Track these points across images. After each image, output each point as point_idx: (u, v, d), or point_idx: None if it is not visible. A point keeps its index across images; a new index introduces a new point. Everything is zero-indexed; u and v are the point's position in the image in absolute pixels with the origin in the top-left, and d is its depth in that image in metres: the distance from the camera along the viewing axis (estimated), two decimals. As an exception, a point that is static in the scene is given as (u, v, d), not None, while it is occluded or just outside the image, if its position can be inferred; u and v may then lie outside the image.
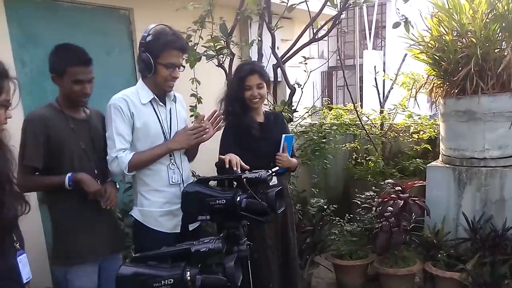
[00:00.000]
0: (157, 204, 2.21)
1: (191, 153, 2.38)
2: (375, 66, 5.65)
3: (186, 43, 2.26)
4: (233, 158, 2.13)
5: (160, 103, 2.23)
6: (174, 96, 2.31)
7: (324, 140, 4.34)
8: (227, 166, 2.11)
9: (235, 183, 2.15)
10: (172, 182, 2.23)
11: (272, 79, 3.11)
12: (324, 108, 5.09)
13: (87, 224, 2.10)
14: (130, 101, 2.14)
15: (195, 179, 2.31)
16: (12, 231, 1.44)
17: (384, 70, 8.83)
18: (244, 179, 1.96)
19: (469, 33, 3.42)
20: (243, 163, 2.16)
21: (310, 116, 4.64)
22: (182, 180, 2.26)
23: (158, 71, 2.14)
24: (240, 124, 2.47)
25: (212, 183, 2.12)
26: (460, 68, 3.43)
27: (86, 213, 2.09)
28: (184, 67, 2.25)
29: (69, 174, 2.02)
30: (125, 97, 2.13)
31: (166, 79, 2.17)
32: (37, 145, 1.99)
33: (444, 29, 3.57)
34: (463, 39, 3.48)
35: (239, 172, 2.10)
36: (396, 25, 3.01)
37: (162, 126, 2.21)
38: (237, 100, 2.46)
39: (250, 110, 2.51)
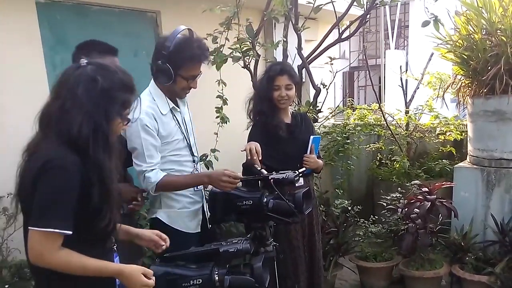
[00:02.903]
0: (182, 206, 2.20)
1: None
2: (400, 66, 5.59)
3: (207, 49, 2.17)
4: (253, 147, 2.14)
5: (177, 109, 2.20)
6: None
7: (347, 141, 4.31)
8: (249, 157, 2.12)
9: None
10: (197, 189, 2.22)
11: (297, 79, 3.11)
12: (348, 108, 5.05)
13: None
14: (154, 112, 2.07)
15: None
16: (113, 234, 1.47)
17: (406, 70, 8.70)
18: (271, 180, 1.97)
19: (498, 31, 3.35)
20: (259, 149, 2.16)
21: (333, 117, 4.61)
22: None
23: (177, 81, 2.09)
24: (267, 124, 2.47)
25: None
26: (489, 67, 3.37)
27: None
28: (201, 73, 2.18)
29: None
30: (148, 110, 2.03)
31: (183, 89, 2.14)
32: None
33: (473, 28, 3.51)
34: (493, 38, 3.40)
35: (262, 169, 2.11)
36: (425, 24, 2.95)
37: (182, 131, 2.19)
38: (265, 99, 2.46)
39: (278, 110, 2.51)
